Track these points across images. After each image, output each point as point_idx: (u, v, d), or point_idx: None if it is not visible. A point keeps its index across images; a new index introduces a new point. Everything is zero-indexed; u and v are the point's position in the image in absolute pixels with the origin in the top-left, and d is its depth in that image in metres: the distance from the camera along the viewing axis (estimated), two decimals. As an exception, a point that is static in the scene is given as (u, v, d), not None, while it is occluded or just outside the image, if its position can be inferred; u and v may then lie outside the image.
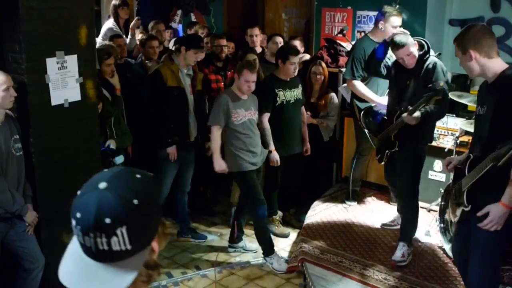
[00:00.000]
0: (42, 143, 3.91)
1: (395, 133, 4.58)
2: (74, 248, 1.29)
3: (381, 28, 5.31)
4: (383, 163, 4.83)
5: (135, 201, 1.23)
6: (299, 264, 4.81)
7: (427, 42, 4.57)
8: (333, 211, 5.82)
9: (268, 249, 5.09)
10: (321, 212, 5.78)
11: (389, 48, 4.67)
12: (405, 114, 4.36)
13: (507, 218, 3.12)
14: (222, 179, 6.25)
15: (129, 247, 1.23)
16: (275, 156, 5.25)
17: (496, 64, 3.18)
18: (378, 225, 5.35)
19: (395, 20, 5.20)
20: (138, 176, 1.31)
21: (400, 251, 4.56)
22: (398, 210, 5.27)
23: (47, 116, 3.90)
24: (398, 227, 5.09)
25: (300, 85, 5.53)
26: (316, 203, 5.99)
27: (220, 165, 4.96)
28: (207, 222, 6.10)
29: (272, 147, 5.20)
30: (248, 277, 4.90)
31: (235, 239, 5.35)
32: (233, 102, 4.90)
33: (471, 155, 3.34)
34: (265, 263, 5.09)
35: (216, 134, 4.92)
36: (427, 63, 4.45)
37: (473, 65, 3.21)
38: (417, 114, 4.31)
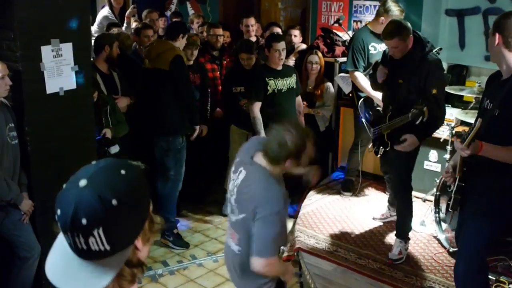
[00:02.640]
0: (37, 131, 3.89)
1: (388, 132, 4.47)
2: (62, 239, 1.27)
3: (381, 22, 5.28)
4: (378, 155, 4.78)
5: (114, 202, 1.19)
6: (294, 253, 4.83)
7: (427, 40, 4.33)
8: (329, 200, 5.83)
9: None
10: (316, 201, 5.79)
11: None
12: (397, 145, 4.30)
13: (499, 210, 3.15)
14: (216, 167, 6.26)
15: (107, 247, 1.20)
16: None
17: None
18: (373, 215, 5.37)
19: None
20: (122, 172, 1.25)
21: (397, 249, 4.54)
22: (389, 201, 5.27)
23: (42, 104, 3.89)
24: (389, 219, 5.11)
25: (294, 75, 5.51)
26: (311, 192, 6.00)
27: None
28: (202, 211, 6.10)
29: (263, 136, 5.17)
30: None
31: None
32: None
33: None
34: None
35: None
36: (423, 63, 4.20)
37: (496, 50, 3.12)
38: (408, 137, 4.24)
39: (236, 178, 2.85)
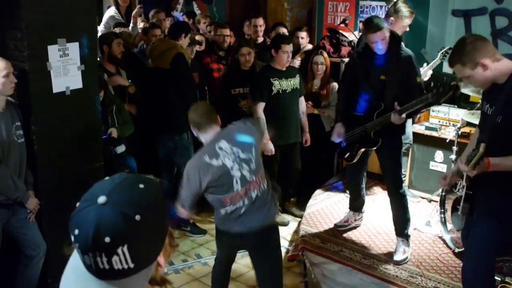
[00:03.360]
0: (43, 130, 3.91)
1: (376, 130, 4.44)
2: (76, 262, 1.22)
3: (391, 23, 5.28)
4: (354, 161, 4.68)
5: (137, 217, 1.14)
6: (299, 253, 4.83)
7: (398, 35, 4.49)
8: (334, 200, 5.83)
9: None
10: (322, 201, 5.79)
11: None
12: (393, 114, 4.22)
13: (509, 213, 3.14)
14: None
15: (131, 265, 1.16)
16: (270, 145, 5.25)
17: (504, 64, 3.03)
18: (378, 215, 5.36)
19: (407, 21, 5.19)
20: (141, 186, 1.21)
21: (401, 248, 4.53)
22: (352, 207, 5.15)
23: (49, 103, 3.90)
24: (353, 225, 5.10)
25: (298, 75, 5.53)
26: (317, 192, 6.00)
27: None
28: (207, 210, 6.09)
29: (266, 136, 5.17)
30: (249, 265, 4.92)
31: None
32: None
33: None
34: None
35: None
36: (401, 56, 4.32)
37: (487, 74, 3.01)
38: (404, 115, 4.24)
39: (223, 153, 3.40)
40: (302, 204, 5.84)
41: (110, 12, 7.36)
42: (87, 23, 4.05)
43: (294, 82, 5.44)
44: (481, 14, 5.78)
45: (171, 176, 5.35)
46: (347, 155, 4.72)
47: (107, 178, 1.24)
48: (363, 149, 4.60)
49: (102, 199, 1.15)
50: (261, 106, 5.27)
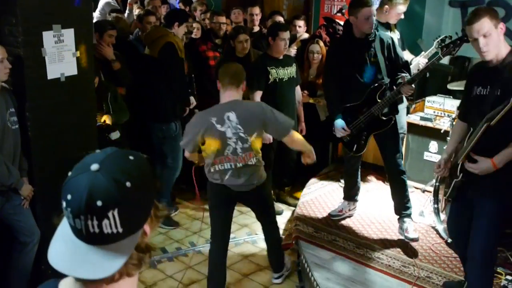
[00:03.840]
0: (38, 116, 3.90)
1: (382, 112, 4.52)
2: (64, 230, 1.27)
3: (385, 11, 5.30)
4: (364, 150, 4.78)
5: (128, 184, 1.21)
6: (293, 242, 4.85)
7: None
8: (328, 190, 5.85)
9: None
10: (316, 190, 5.81)
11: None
12: (403, 86, 4.31)
13: (507, 199, 3.20)
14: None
15: (120, 230, 1.21)
16: (268, 134, 5.24)
17: (506, 45, 3.19)
18: (372, 204, 5.38)
19: (401, 8, 5.23)
20: (131, 157, 1.28)
21: (411, 227, 4.69)
22: (347, 196, 5.19)
23: (43, 89, 3.89)
24: (347, 215, 5.12)
25: (294, 64, 5.52)
26: (311, 181, 6.02)
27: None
28: (202, 200, 6.11)
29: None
30: (242, 254, 4.94)
31: None
32: None
33: (471, 128, 3.34)
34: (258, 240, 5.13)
35: None
36: (381, 38, 4.50)
37: (502, 39, 3.17)
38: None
39: (229, 122, 3.83)
40: (296, 193, 5.85)
41: (106, -2, 7.32)
42: (82, 9, 4.02)
43: (291, 70, 5.43)
44: (478, 4, 5.78)
45: (163, 164, 5.36)
46: (355, 146, 4.71)
47: (98, 150, 1.30)
48: (374, 133, 4.65)
49: (95, 166, 1.21)
50: (258, 94, 5.25)
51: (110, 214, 1.19)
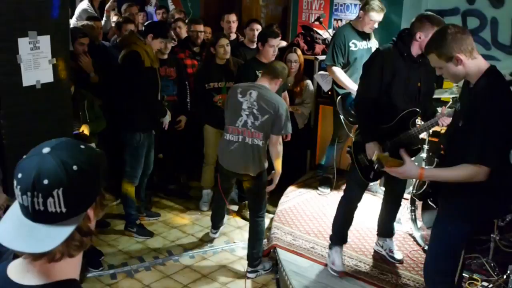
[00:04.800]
0: (13, 124, 3.84)
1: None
2: (13, 210, 1.36)
3: (360, 18, 5.36)
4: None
5: (75, 167, 1.30)
6: (271, 250, 4.84)
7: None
8: (306, 197, 5.85)
9: None
10: (294, 198, 5.81)
11: None
12: (441, 117, 3.99)
13: (474, 210, 3.13)
14: (195, 164, 6.26)
15: (64, 209, 1.30)
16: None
17: (478, 63, 2.98)
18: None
19: (374, 15, 5.22)
20: (82, 147, 1.38)
21: (395, 247, 4.59)
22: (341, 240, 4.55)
23: (19, 97, 3.83)
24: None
25: None
26: (289, 189, 6.02)
27: None
28: (179, 207, 6.09)
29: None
30: (221, 263, 4.92)
31: None
32: None
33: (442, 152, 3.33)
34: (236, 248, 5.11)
35: None
36: (426, 61, 3.80)
37: (460, 70, 2.96)
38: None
39: (249, 97, 4.46)
40: (274, 201, 5.85)
41: (83, 5, 7.27)
42: (59, 16, 3.98)
43: None
44: (454, 14, 5.85)
45: (145, 167, 5.36)
46: (372, 173, 4.13)
47: (53, 139, 1.39)
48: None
49: (46, 149, 1.32)
50: None
51: (55, 193, 1.28)
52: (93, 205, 1.39)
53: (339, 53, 5.44)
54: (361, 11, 5.36)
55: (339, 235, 4.43)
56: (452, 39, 2.93)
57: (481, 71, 2.97)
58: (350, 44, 5.44)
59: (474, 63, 2.96)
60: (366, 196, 5.72)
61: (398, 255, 4.54)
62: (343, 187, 5.97)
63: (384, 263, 4.47)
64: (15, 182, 1.33)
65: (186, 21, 6.89)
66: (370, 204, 5.38)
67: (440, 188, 3.27)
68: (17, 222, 1.33)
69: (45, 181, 1.28)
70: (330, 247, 4.43)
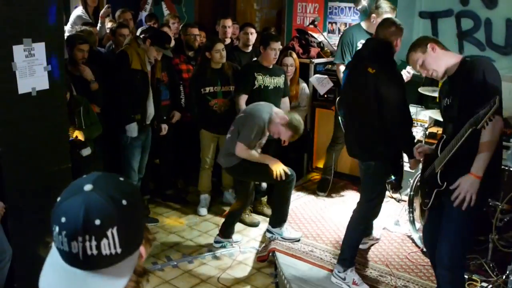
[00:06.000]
0: (9, 132, 3.82)
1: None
2: (54, 260, 1.20)
3: (373, 21, 5.35)
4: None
5: (124, 202, 1.18)
6: (268, 254, 4.83)
7: None
8: (304, 201, 5.85)
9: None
10: (292, 202, 5.77)
11: None
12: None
13: (477, 205, 3.19)
14: (192, 169, 6.25)
15: (119, 250, 1.17)
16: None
17: (452, 55, 3.35)
18: (349, 215, 5.38)
19: (389, 16, 5.25)
20: (121, 178, 1.26)
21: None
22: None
23: (14, 104, 3.82)
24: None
25: (283, 75, 5.63)
26: (287, 193, 6.00)
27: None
28: (177, 212, 6.07)
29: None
30: (220, 267, 4.90)
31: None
32: None
33: (444, 135, 3.38)
34: (236, 252, 5.10)
35: None
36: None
37: (439, 55, 3.30)
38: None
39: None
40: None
41: (78, 12, 7.25)
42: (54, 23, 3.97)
43: (278, 81, 5.53)
44: (447, 16, 5.87)
45: (136, 172, 5.39)
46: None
47: (85, 176, 1.25)
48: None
49: (88, 186, 1.18)
50: (243, 98, 5.39)
51: (109, 233, 1.15)
52: (143, 241, 1.27)
53: (347, 51, 5.49)
54: (373, 14, 5.38)
55: (354, 256, 4.27)
56: (421, 38, 3.50)
57: (457, 62, 3.29)
58: (358, 43, 5.45)
59: (447, 54, 3.33)
60: (357, 195, 5.76)
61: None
62: (341, 190, 6.02)
63: (383, 265, 4.47)
64: (56, 229, 1.16)
65: (181, 26, 6.89)
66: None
67: (454, 176, 3.25)
68: (64, 274, 1.18)
69: (97, 221, 1.13)
70: (344, 270, 4.18)
